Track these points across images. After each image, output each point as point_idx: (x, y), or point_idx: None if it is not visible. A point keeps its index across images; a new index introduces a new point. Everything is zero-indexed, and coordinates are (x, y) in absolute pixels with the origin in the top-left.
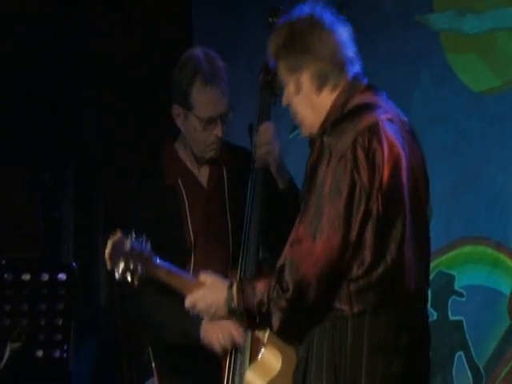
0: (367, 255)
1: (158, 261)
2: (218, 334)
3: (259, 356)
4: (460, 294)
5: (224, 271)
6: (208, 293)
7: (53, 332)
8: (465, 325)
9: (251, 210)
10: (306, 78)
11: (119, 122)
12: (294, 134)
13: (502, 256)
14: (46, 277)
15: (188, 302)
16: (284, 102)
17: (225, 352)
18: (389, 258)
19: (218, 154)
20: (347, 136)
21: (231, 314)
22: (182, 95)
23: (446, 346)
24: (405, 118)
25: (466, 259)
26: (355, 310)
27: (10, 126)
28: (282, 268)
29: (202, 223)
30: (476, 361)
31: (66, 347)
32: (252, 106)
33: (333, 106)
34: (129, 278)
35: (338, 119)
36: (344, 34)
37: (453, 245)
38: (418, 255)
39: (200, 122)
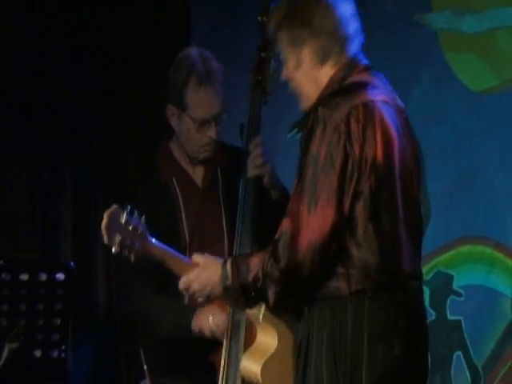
0: (360, 233)
1: (152, 239)
2: (208, 318)
3: (255, 341)
4: (459, 294)
5: None
6: (202, 272)
7: (51, 332)
8: (463, 325)
9: (244, 209)
10: (307, 53)
11: (118, 122)
12: (292, 133)
13: (500, 256)
14: (44, 277)
15: (182, 283)
16: (284, 76)
17: (214, 337)
18: (382, 237)
19: (211, 155)
20: (342, 108)
21: (226, 291)
22: (176, 95)
23: (444, 346)
24: (401, 104)
25: (465, 259)
26: (353, 288)
27: (9, 125)
28: (277, 240)
29: (196, 222)
30: (474, 361)
31: (64, 347)
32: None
33: (330, 80)
34: (125, 252)
35: (333, 92)
36: (347, 9)
37: (452, 244)
38: (412, 236)
39: (194, 123)
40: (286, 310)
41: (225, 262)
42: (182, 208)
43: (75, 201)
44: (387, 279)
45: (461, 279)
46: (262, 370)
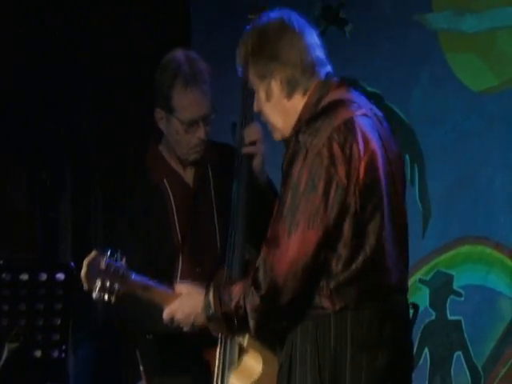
0: (344, 250)
1: (133, 276)
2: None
3: (241, 361)
4: (459, 294)
5: (212, 270)
6: (185, 302)
7: (51, 332)
8: (463, 324)
9: (236, 209)
10: (275, 85)
11: (117, 122)
12: None
13: (500, 256)
14: (44, 277)
15: (166, 314)
16: (255, 108)
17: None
18: (368, 252)
19: (201, 156)
20: (322, 133)
21: (210, 320)
22: (163, 98)
23: (444, 346)
24: (380, 114)
25: (465, 259)
26: (337, 306)
27: (8, 125)
28: (257, 268)
29: (188, 223)
30: (474, 361)
31: (64, 347)
32: None
33: (305, 106)
34: (106, 297)
35: (312, 117)
36: (313, 36)
37: (451, 244)
38: (398, 249)
39: (182, 124)
40: (268, 335)
41: (207, 292)
42: (174, 209)
43: (75, 201)
44: (371, 293)
45: (461, 279)
46: None
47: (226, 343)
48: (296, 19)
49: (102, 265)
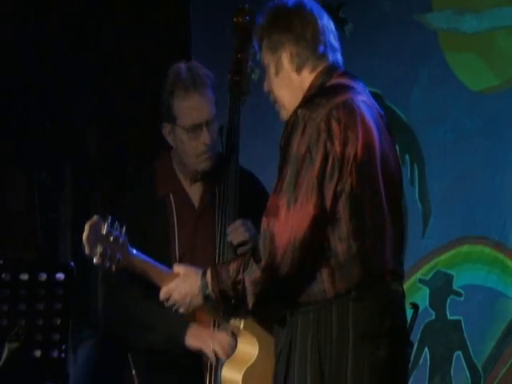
0: (343, 229)
1: (133, 250)
2: (208, 339)
3: (235, 351)
4: (458, 294)
5: None
6: (182, 283)
7: (51, 332)
8: (463, 324)
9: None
10: (286, 57)
11: (117, 122)
12: None
13: (500, 255)
14: (43, 276)
15: (162, 293)
16: (265, 87)
17: (214, 357)
18: (366, 233)
19: (211, 166)
20: (321, 108)
21: (206, 300)
22: (166, 110)
23: (444, 346)
24: (381, 111)
25: (465, 259)
26: (338, 287)
27: (7, 125)
28: (258, 240)
29: (188, 243)
30: (474, 360)
31: (64, 347)
32: (249, 106)
33: (310, 87)
34: (107, 263)
35: (312, 94)
36: (329, 22)
37: (451, 244)
38: (394, 235)
39: (185, 131)
40: (267, 316)
41: (205, 272)
42: (176, 227)
43: (75, 200)
44: (370, 275)
45: (461, 279)
46: (243, 378)
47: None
48: (315, 5)
49: (103, 230)
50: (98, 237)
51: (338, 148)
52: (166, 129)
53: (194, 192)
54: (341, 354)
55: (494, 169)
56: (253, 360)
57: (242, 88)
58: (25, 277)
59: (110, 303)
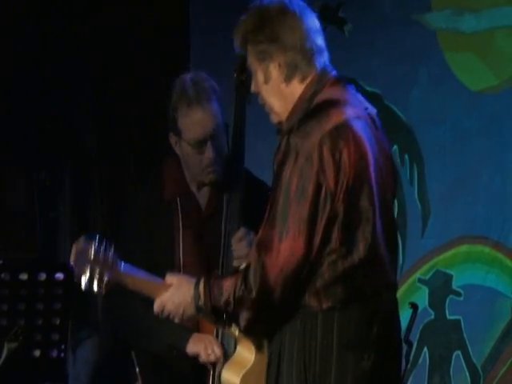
0: (332, 254)
1: (123, 266)
2: (205, 345)
3: (235, 354)
4: (458, 294)
5: None
6: (175, 293)
7: (50, 332)
8: (463, 324)
9: (232, 218)
10: (274, 68)
11: (116, 122)
12: None
13: (499, 255)
14: (43, 276)
15: (156, 306)
16: (253, 89)
17: (209, 363)
18: (355, 255)
19: (218, 177)
20: (313, 136)
21: (199, 311)
22: (171, 122)
23: (443, 346)
24: (374, 111)
25: (464, 258)
26: (324, 306)
27: (7, 125)
28: (248, 268)
29: (192, 248)
30: (474, 360)
31: (63, 347)
32: (249, 108)
33: (300, 99)
34: (95, 287)
35: (304, 117)
36: (314, 21)
37: (451, 244)
38: (388, 249)
39: (189, 146)
40: (257, 332)
41: (197, 282)
42: (181, 231)
43: (74, 200)
44: (358, 293)
45: (460, 279)
46: (241, 382)
47: (222, 338)
48: (297, 3)
49: (91, 253)
50: (86, 259)
51: (330, 178)
52: (173, 139)
53: (202, 196)
54: (324, 365)
55: (493, 168)
56: (250, 365)
57: (248, 87)
58: (24, 277)
59: (111, 308)
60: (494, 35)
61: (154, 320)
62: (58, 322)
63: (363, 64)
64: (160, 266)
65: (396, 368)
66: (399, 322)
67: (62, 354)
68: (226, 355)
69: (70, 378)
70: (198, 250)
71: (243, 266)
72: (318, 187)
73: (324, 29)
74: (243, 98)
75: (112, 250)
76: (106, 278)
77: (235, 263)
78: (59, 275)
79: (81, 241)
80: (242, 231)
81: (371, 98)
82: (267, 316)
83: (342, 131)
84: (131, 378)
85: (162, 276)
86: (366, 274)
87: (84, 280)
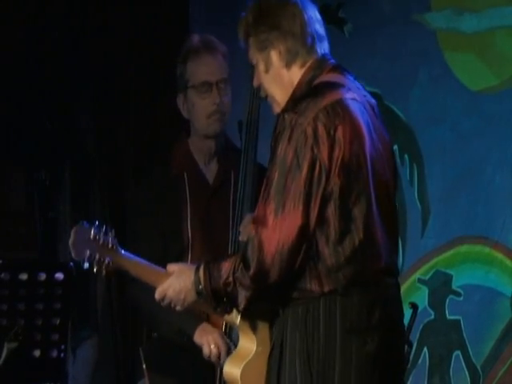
0: (332, 233)
1: (123, 251)
2: (209, 338)
3: (237, 347)
4: (457, 294)
5: None
6: (176, 280)
7: (50, 332)
8: (462, 324)
9: (242, 206)
10: (275, 55)
11: (116, 121)
12: None
13: (499, 255)
14: (43, 276)
15: (157, 293)
16: (255, 82)
17: (211, 357)
18: (355, 236)
19: (221, 129)
20: (308, 112)
21: (199, 295)
22: (180, 78)
23: (443, 346)
24: (372, 101)
25: (464, 259)
26: (326, 289)
27: (6, 124)
28: (246, 246)
29: (201, 221)
30: (473, 360)
31: (63, 347)
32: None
33: (299, 83)
34: (95, 268)
35: (300, 96)
36: (314, 11)
37: (450, 244)
38: (387, 234)
39: (196, 91)
40: (262, 311)
41: (197, 268)
42: (189, 204)
43: (74, 200)
44: (360, 277)
45: (460, 279)
46: (242, 373)
47: (230, 334)
48: None
49: (91, 235)
50: (86, 241)
51: (324, 153)
52: (180, 100)
53: (209, 172)
54: (328, 351)
55: (493, 168)
56: (251, 355)
57: None
58: (24, 276)
59: (129, 287)
60: (494, 35)
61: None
62: (57, 322)
63: (363, 64)
64: (169, 245)
65: (400, 351)
66: (402, 306)
67: (62, 354)
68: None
69: (70, 377)
70: (206, 224)
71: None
72: (313, 162)
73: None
74: (258, 93)
75: (112, 234)
76: (106, 260)
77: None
78: (59, 275)
79: (81, 223)
80: (248, 217)
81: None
82: (266, 294)
83: (338, 108)
84: (138, 374)
85: (173, 249)
86: (365, 257)
87: (85, 261)
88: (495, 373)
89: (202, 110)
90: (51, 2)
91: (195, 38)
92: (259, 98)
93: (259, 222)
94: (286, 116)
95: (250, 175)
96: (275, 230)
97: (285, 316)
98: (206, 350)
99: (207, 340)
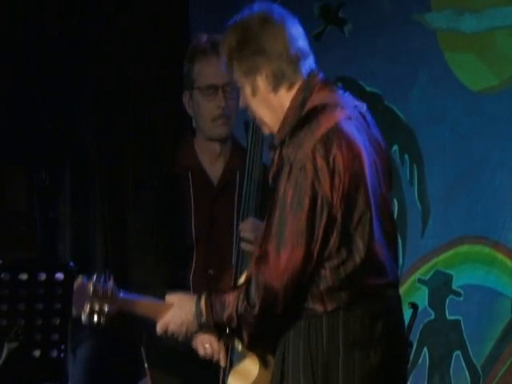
0: (334, 258)
1: (122, 294)
2: (202, 338)
3: (241, 361)
4: (458, 294)
5: (224, 270)
6: (177, 312)
7: (50, 332)
8: (462, 324)
9: (247, 209)
10: (261, 80)
11: (116, 121)
12: None
13: (499, 255)
14: (43, 276)
15: (159, 328)
16: (241, 104)
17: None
18: (356, 256)
19: (227, 133)
20: (306, 146)
21: (201, 328)
22: (186, 77)
23: (443, 346)
24: (362, 108)
25: (464, 259)
26: (329, 308)
27: (6, 125)
28: (249, 284)
29: (205, 222)
30: (473, 360)
31: (63, 347)
32: None
33: (290, 108)
34: (95, 319)
35: (295, 127)
36: (296, 27)
37: (450, 244)
38: (387, 247)
39: (202, 93)
40: (262, 345)
41: (199, 298)
42: (193, 205)
43: (74, 200)
44: (362, 294)
45: (460, 279)
46: None
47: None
48: (277, 11)
49: (90, 291)
50: (85, 297)
51: (326, 186)
52: (186, 97)
53: (214, 173)
54: (331, 363)
55: (493, 169)
56: (254, 377)
57: None
58: (24, 277)
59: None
60: (494, 35)
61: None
62: (57, 322)
63: (363, 64)
64: (174, 246)
65: (402, 364)
66: (403, 319)
67: (62, 354)
68: (233, 354)
69: (70, 378)
70: (210, 225)
71: (243, 279)
72: (314, 197)
73: (324, 29)
74: None
75: (111, 280)
76: (106, 310)
77: (241, 246)
78: (59, 275)
79: (79, 279)
80: (249, 220)
81: (371, 98)
82: (270, 331)
83: (334, 135)
84: (140, 373)
85: (177, 250)
86: (368, 273)
87: (84, 315)
88: (495, 373)
89: (207, 112)
90: (51, 2)
91: (203, 38)
92: None
93: (261, 260)
94: (284, 151)
95: (255, 175)
96: (278, 267)
97: (286, 331)
98: (200, 351)
99: (200, 340)
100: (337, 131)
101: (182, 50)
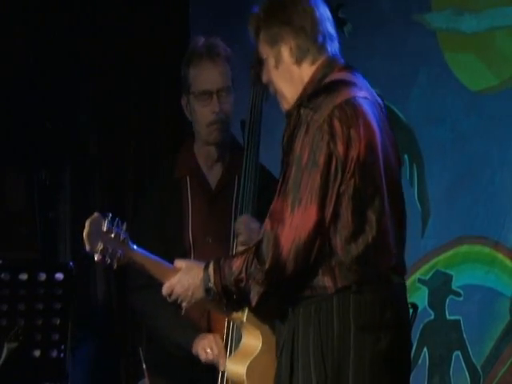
0: (345, 230)
1: (134, 246)
2: (204, 343)
3: (239, 345)
4: (457, 294)
5: None
6: (184, 276)
7: (50, 332)
8: (462, 324)
9: (246, 207)
10: (286, 51)
11: (116, 121)
12: None
13: (499, 255)
14: (43, 276)
15: (165, 288)
16: (264, 78)
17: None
18: (369, 234)
19: (222, 137)
20: (324, 109)
21: (208, 293)
22: (183, 81)
23: (443, 346)
24: (380, 101)
25: (464, 259)
26: (339, 285)
27: (6, 125)
28: (260, 241)
29: (202, 226)
30: (473, 360)
31: (63, 347)
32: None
33: (310, 80)
34: (108, 260)
35: (314, 92)
36: (326, 10)
37: (450, 244)
38: (397, 234)
39: (197, 98)
40: (269, 311)
41: (207, 265)
42: (190, 209)
43: (74, 200)
44: (372, 272)
45: (460, 279)
46: (247, 371)
47: (232, 338)
48: None
49: (104, 227)
50: (99, 233)
51: (340, 149)
52: (184, 101)
53: (212, 177)
54: (343, 347)
55: (493, 169)
56: (256, 353)
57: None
58: (24, 277)
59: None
60: (494, 35)
61: (167, 318)
62: (57, 322)
63: (363, 64)
64: (171, 250)
65: (409, 350)
66: (408, 307)
67: (62, 354)
68: (232, 345)
69: (70, 377)
70: (207, 229)
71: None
72: (329, 157)
73: None
74: (260, 94)
75: (124, 227)
76: (118, 253)
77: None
78: (59, 275)
79: (95, 215)
80: (243, 216)
81: None
82: (280, 290)
83: (352, 106)
84: (138, 374)
85: (175, 253)
86: (377, 254)
87: (97, 252)
88: (495, 373)
89: (201, 117)
90: (51, 3)
91: (200, 42)
92: (261, 98)
93: (275, 218)
94: (302, 111)
95: (251, 175)
96: (291, 224)
97: (295, 315)
98: (202, 356)
99: (202, 345)
100: (355, 103)
101: (182, 50)
